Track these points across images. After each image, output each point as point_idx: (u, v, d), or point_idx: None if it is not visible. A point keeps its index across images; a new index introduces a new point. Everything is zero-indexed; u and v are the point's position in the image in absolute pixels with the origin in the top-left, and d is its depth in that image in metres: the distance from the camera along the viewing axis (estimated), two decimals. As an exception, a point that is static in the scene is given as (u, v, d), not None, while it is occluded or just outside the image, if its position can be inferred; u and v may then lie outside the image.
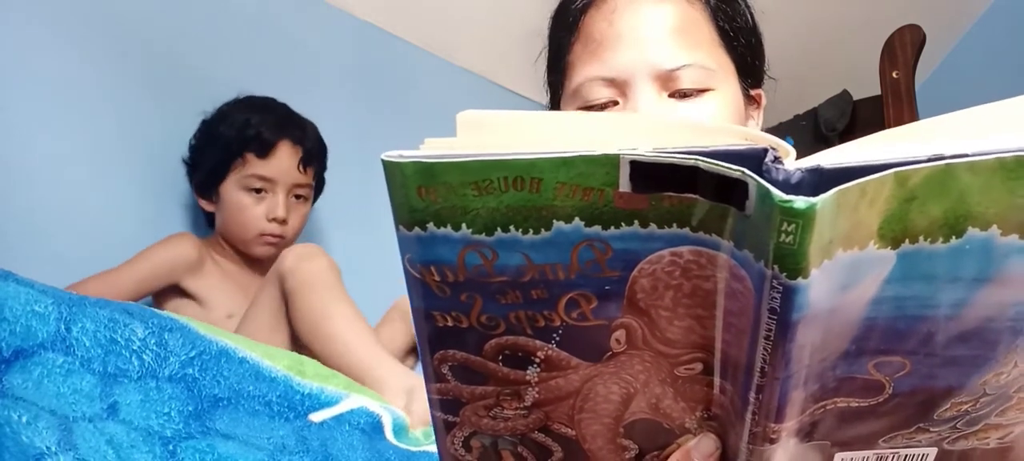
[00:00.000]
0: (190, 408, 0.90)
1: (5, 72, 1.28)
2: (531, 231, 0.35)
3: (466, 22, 1.89)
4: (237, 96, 1.43)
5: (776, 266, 0.32)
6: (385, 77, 1.82)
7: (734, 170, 0.32)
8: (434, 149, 0.34)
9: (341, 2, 1.76)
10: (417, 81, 1.87)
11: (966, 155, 0.31)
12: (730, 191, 0.33)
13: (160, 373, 0.91)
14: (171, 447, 0.85)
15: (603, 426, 0.43)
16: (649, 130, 0.35)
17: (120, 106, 1.41)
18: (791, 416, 0.38)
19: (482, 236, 0.35)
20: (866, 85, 1.82)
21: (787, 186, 0.32)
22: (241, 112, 1.39)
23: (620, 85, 0.71)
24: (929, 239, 0.33)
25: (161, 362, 0.92)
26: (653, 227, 0.35)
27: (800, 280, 0.32)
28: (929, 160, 0.31)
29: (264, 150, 1.37)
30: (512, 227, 0.35)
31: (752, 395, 0.37)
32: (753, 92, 0.78)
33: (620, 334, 0.39)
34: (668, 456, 0.44)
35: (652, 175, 0.34)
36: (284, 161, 1.39)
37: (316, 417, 1.01)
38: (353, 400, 1.07)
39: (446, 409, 0.43)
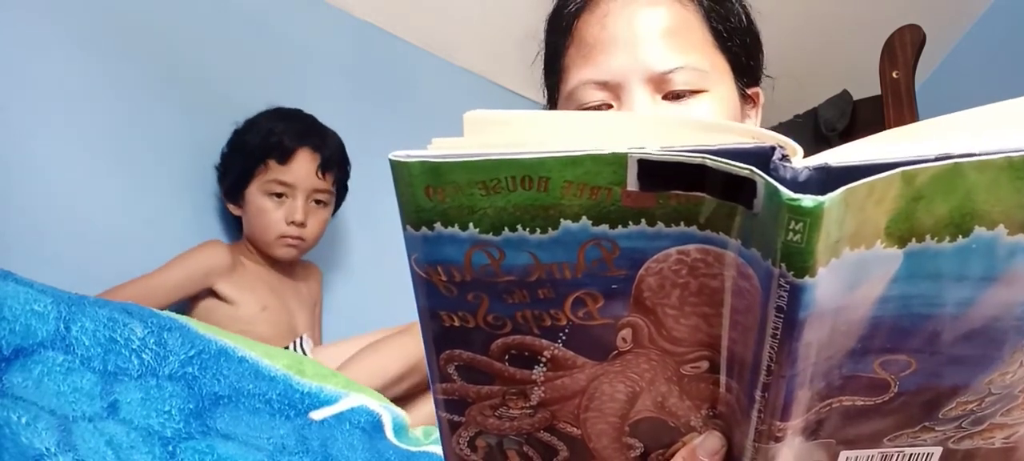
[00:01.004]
0: (190, 406, 0.90)
1: (4, 72, 1.28)
2: (538, 230, 0.35)
3: (466, 22, 1.89)
4: (265, 107, 1.48)
5: (783, 264, 0.32)
6: (385, 77, 1.82)
7: (742, 168, 0.32)
8: (441, 149, 0.34)
9: (341, 2, 1.76)
10: (417, 81, 1.87)
11: (974, 154, 0.31)
12: (738, 189, 0.33)
13: (160, 372, 0.91)
14: (171, 448, 0.84)
15: (609, 425, 0.43)
16: (656, 129, 0.35)
17: (119, 106, 1.41)
18: (797, 414, 0.38)
19: (489, 235, 0.35)
20: (866, 85, 1.82)
21: (794, 184, 0.32)
22: (267, 121, 1.46)
23: (614, 88, 0.71)
24: (936, 238, 0.33)
25: (161, 361, 0.92)
26: (660, 226, 0.35)
27: (807, 279, 0.32)
28: (937, 159, 0.31)
29: (284, 156, 1.42)
30: (519, 226, 0.35)
31: (758, 393, 0.37)
32: (750, 91, 0.78)
33: (626, 333, 0.39)
34: (674, 454, 0.44)
35: (660, 173, 0.34)
36: (303, 167, 1.44)
37: (316, 415, 1.01)
38: (353, 399, 1.07)
39: (451, 409, 0.43)
